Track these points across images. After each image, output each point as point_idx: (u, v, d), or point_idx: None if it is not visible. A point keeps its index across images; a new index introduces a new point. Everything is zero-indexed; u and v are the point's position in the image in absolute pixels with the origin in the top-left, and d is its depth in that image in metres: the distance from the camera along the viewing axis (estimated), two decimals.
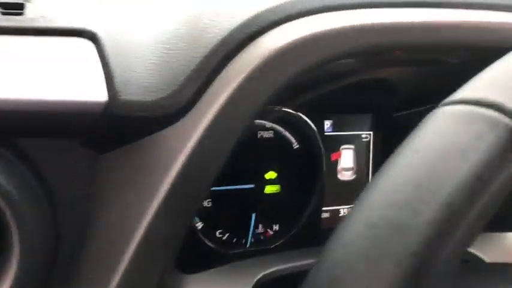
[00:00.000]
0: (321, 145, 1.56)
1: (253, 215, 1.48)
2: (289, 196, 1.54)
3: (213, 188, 1.42)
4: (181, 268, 1.14)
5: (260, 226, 1.51)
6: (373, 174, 1.64)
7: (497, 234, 1.35)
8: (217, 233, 1.45)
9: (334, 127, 1.62)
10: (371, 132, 1.66)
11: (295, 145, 1.56)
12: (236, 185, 1.46)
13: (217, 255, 1.36)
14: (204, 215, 1.43)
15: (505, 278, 0.80)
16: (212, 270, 1.21)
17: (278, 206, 1.53)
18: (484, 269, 1.09)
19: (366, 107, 1.64)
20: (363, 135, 1.66)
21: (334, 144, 1.61)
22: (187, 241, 0.99)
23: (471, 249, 1.30)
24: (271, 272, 1.27)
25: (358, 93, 1.61)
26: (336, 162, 1.62)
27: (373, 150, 1.65)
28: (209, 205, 1.46)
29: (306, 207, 1.55)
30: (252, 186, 1.46)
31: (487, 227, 0.52)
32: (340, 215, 1.62)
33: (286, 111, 1.48)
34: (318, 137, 1.56)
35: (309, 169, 1.55)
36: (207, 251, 1.35)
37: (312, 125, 1.54)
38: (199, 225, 1.45)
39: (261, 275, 1.22)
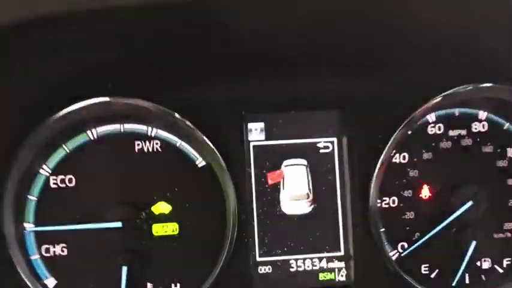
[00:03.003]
0: (247, 161, 1.04)
1: (124, 270, 0.98)
2: (192, 242, 1.02)
3: (64, 228, 0.97)
4: None
5: None
6: (343, 205, 1.05)
7: None
8: None
9: (268, 133, 1.06)
10: (334, 139, 1.08)
11: (199, 162, 1.04)
12: (98, 222, 0.98)
13: None
14: (58, 267, 1.01)
15: None
16: None
17: (174, 260, 1.01)
18: None
19: (325, 99, 1.08)
20: (322, 144, 1.08)
21: (271, 160, 1.06)
22: None
23: None
24: None
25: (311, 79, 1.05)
26: (275, 188, 1.06)
27: (340, 165, 1.06)
28: (64, 252, 1.00)
29: (215, 263, 1.01)
30: (118, 225, 0.97)
31: None
32: (293, 269, 1.04)
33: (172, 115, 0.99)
34: (237, 148, 1.04)
35: (221, 201, 1.02)
36: None
37: (225, 129, 1.02)
38: (52, 282, 1.01)
39: None
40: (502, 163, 1.08)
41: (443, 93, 1.02)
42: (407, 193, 1.07)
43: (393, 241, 1.06)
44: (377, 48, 1.01)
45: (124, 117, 1.00)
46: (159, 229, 1.00)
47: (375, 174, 1.01)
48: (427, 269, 1.07)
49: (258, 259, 1.05)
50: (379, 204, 1.04)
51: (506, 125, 1.09)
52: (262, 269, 1.05)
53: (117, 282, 0.96)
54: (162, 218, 1.00)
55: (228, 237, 0.99)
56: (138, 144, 1.00)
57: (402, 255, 1.04)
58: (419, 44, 1.00)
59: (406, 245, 1.06)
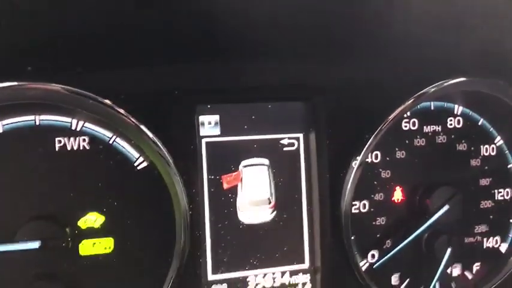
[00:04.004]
0: (199, 161, 0.86)
1: None
2: (131, 262, 0.83)
3: None
4: None
5: None
6: (309, 211, 0.91)
7: None
8: None
9: (224, 127, 0.89)
10: (300, 136, 0.94)
11: (139, 162, 0.85)
12: (8, 242, 0.76)
13: None
14: None
15: None
16: None
17: (108, 285, 0.82)
18: None
19: (290, 89, 0.92)
20: (286, 141, 0.93)
21: (227, 159, 0.89)
22: None
23: None
24: None
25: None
26: (232, 193, 0.90)
27: (307, 165, 0.92)
28: None
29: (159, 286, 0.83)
30: (35, 245, 0.77)
31: None
32: (251, 287, 0.89)
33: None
34: (187, 146, 0.85)
35: (167, 210, 0.83)
36: None
37: (172, 123, 0.83)
38: None
39: None
40: (475, 162, 1.00)
41: (422, 88, 0.91)
42: (379, 196, 0.95)
43: (363, 250, 0.95)
44: (350, 35, 0.87)
45: (40, 107, 0.77)
46: (87, 247, 0.80)
47: (351, 176, 0.88)
48: (397, 278, 0.97)
49: (211, 277, 0.88)
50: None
51: (481, 121, 1.00)
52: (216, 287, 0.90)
53: None
54: (92, 233, 0.80)
55: (177, 254, 0.82)
56: (60, 141, 0.78)
57: (374, 266, 0.93)
58: (398, 34, 0.87)
59: (376, 254, 0.95)
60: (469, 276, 1.01)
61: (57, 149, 0.78)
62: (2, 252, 0.73)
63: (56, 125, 0.78)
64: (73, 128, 0.79)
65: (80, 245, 0.79)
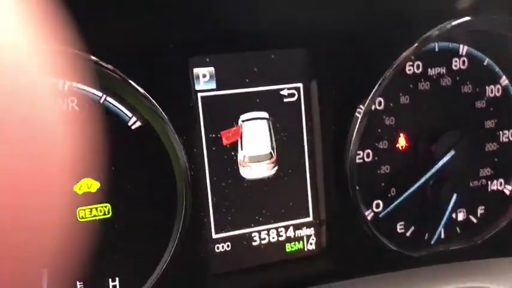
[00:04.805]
0: (195, 117, 0.82)
1: (45, 274, 0.75)
2: (130, 225, 0.80)
3: None
4: None
5: None
6: (312, 164, 0.89)
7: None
8: None
9: (220, 80, 0.84)
10: (300, 86, 0.89)
11: (133, 122, 0.80)
12: None
13: None
14: None
15: None
16: None
17: (108, 249, 0.78)
18: None
19: (289, 35, 0.86)
20: (285, 92, 0.89)
21: (225, 114, 0.85)
22: None
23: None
24: None
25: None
26: (231, 149, 0.87)
27: (308, 116, 0.89)
28: None
29: (162, 250, 0.81)
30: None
31: None
32: (256, 243, 0.87)
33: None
34: (182, 102, 0.81)
35: (166, 171, 0.80)
36: None
37: (164, 77, 0.78)
38: None
39: None
40: (480, 104, 0.97)
41: (428, 30, 0.86)
42: (383, 144, 0.92)
43: (367, 200, 0.93)
44: None
45: None
46: (85, 213, 0.77)
47: (357, 125, 0.84)
48: (402, 227, 0.96)
49: (214, 236, 0.87)
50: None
51: (486, 61, 0.96)
52: (220, 247, 0.87)
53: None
54: (88, 199, 0.77)
55: (179, 215, 0.79)
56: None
57: (380, 216, 0.92)
58: None
59: (381, 203, 0.94)
60: (474, 220, 1.00)
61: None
62: None
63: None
64: (60, 88, 0.74)
65: (78, 211, 0.76)
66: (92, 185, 0.77)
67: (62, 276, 0.73)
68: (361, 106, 0.85)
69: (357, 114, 0.85)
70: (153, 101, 0.75)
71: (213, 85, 0.82)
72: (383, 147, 0.92)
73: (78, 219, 0.76)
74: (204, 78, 0.82)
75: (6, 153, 0.37)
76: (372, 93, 0.84)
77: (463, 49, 0.94)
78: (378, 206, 0.93)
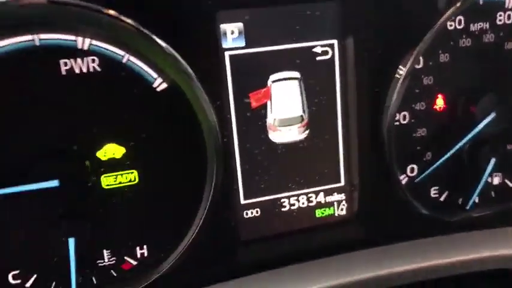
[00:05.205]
0: (223, 77, 0.76)
1: (72, 243, 0.72)
2: (158, 192, 0.76)
3: None
4: None
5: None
6: (345, 127, 0.84)
7: None
8: None
9: (249, 37, 0.77)
10: (334, 42, 0.83)
11: (158, 83, 0.75)
12: (22, 183, 0.68)
13: None
14: None
15: None
16: None
17: (135, 217, 0.76)
18: None
19: None
20: (318, 49, 0.83)
21: (254, 74, 0.79)
22: None
23: None
24: None
25: None
26: (260, 112, 0.82)
27: (341, 77, 0.83)
28: None
29: (191, 217, 0.78)
30: (54, 183, 0.70)
31: None
32: (285, 208, 0.84)
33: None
34: (208, 61, 0.74)
35: (195, 135, 0.75)
36: None
37: (189, 35, 0.72)
38: None
39: None
40: None
41: None
42: (420, 106, 0.87)
43: (402, 164, 0.89)
44: None
45: (40, 25, 0.65)
46: (110, 180, 0.74)
47: (398, 86, 0.78)
48: (436, 192, 0.93)
49: (243, 202, 0.83)
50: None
51: None
52: (249, 213, 0.84)
53: (64, 259, 0.71)
54: (114, 166, 0.72)
55: (209, 180, 0.75)
56: (65, 63, 0.67)
57: (416, 180, 0.88)
58: None
59: (415, 168, 0.89)
60: (510, 184, 0.96)
61: (64, 73, 0.68)
62: (18, 193, 0.66)
63: (59, 44, 0.67)
64: (79, 47, 0.68)
65: (102, 179, 0.73)
66: (117, 151, 0.73)
67: (89, 246, 0.71)
68: (401, 67, 0.79)
69: (397, 75, 0.79)
70: (181, 59, 0.69)
71: (242, 42, 0.77)
72: (420, 109, 0.86)
73: (103, 186, 0.73)
74: (232, 35, 0.76)
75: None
76: (415, 51, 0.77)
77: (510, 2, 0.87)
78: (412, 170, 0.89)
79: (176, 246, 0.77)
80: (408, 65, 0.78)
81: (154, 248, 0.77)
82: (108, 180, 0.73)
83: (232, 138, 0.79)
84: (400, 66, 0.79)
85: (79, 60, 0.68)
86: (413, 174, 0.89)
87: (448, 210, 0.92)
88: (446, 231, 0.93)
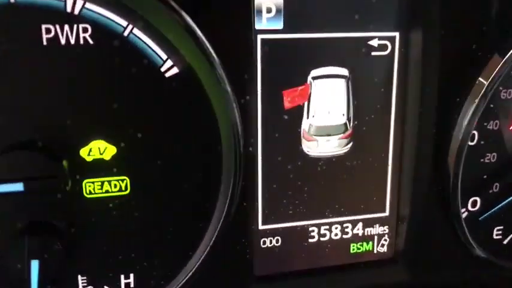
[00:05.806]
0: (252, 67, 0.60)
1: (34, 266, 0.55)
2: (153, 208, 0.59)
3: None
4: None
5: None
6: (399, 143, 0.67)
7: None
8: None
9: (289, 19, 0.60)
10: (396, 35, 0.66)
11: (167, 66, 0.57)
12: None
13: None
14: None
15: None
16: None
17: (121, 236, 0.58)
18: None
19: None
20: (375, 42, 0.66)
21: (290, 67, 0.62)
22: None
23: None
24: None
25: None
26: (295, 115, 0.65)
27: (400, 78, 0.66)
28: None
29: (200, 239, 0.61)
30: (18, 187, 0.53)
31: None
32: (313, 240, 0.67)
33: None
34: (236, 45, 0.58)
35: (209, 138, 0.58)
36: None
37: (214, 11, 0.55)
38: None
39: None
40: None
41: None
42: (493, 125, 0.70)
43: (463, 196, 0.72)
44: None
45: None
46: (95, 188, 0.57)
47: (479, 95, 0.61)
48: (500, 232, 0.76)
49: (261, 227, 0.67)
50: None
51: None
52: (267, 242, 0.67)
53: (24, 285, 0.54)
54: (100, 169, 0.56)
55: (224, 197, 0.58)
56: (48, 30, 0.51)
57: (481, 218, 0.71)
58: None
59: (478, 201, 0.73)
60: None
61: (44, 43, 0.51)
62: None
63: (42, 3, 0.51)
64: (68, 10, 0.51)
65: (85, 184, 0.56)
66: (106, 150, 0.57)
67: (56, 269, 0.55)
68: (503, 68, 0.62)
69: (491, 78, 0.62)
70: (203, 37, 0.53)
71: (279, 24, 0.60)
72: (493, 129, 0.70)
73: (85, 194, 0.57)
74: (268, 14, 0.59)
75: None
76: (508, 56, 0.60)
77: None
78: (474, 204, 0.72)
79: (171, 279, 0.60)
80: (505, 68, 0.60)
81: (144, 277, 0.61)
82: (91, 187, 0.56)
83: (256, 146, 0.63)
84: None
85: (66, 27, 0.52)
86: (474, 209, 0.72)
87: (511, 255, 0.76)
88: (506, 279, 0.76)
